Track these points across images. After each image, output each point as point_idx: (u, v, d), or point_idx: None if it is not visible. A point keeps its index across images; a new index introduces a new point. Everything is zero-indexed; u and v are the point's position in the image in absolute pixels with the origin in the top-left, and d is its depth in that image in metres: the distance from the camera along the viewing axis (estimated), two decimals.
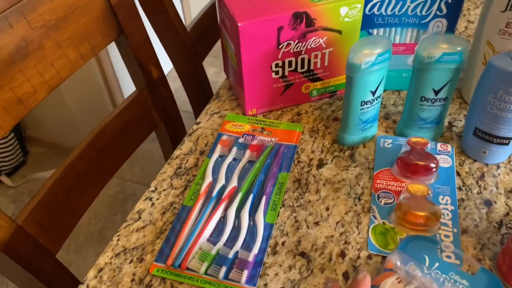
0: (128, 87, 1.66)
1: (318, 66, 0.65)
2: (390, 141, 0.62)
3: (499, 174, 0.57)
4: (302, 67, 0.64)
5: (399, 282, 0.44)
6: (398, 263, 0.43)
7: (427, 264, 0.47)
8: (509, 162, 0.58)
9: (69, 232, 0.73)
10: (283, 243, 0.51)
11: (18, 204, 1.61)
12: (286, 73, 0.64)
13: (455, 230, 0.51)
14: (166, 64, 0.97)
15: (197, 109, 1.05)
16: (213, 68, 2.07)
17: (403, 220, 0.51)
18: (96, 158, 0.77)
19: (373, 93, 0.56)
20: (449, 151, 0.59)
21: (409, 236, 0.50)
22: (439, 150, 0.60)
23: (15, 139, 1.68)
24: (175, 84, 1.19)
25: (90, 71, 1.54)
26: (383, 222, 0.52)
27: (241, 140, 0.63)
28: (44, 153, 1.81)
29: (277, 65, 0.62)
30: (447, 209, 0.53)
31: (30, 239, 0.64)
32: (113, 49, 1.52)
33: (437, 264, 0.47)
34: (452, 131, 0.63)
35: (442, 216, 0.52)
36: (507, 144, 0.55)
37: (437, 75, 0.55)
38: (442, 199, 0.54)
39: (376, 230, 0.51)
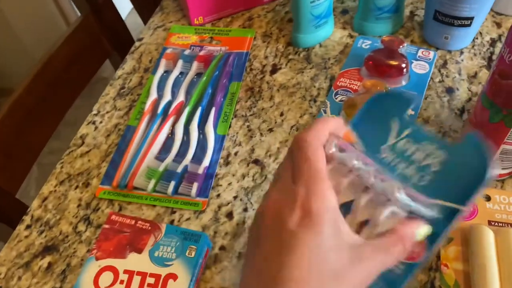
0: None
1: None
2: (369, 42, 0.55)
3: (462, 60, 0.53)
4: None
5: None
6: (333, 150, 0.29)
7: (395, 132, 0.32)
8: (473, 46, 0.54)
9: (27, 171, 0.70)
10: (236, 153, 0.48)
11: None
12: None
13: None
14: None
15: None
16: None
17: (351, 116, 0.47)
18: (46, 92, 0.72)
19: None
20: (430, 58, 0.53)
21: (372, 97, 0.33)
22: (419, 56, 0.53)
23: None
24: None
25: (45, 9, 1.43)
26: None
27: (187, 52, 0.58)
28: None
29: None
30: None
31: None
32: None
33: (406, 132, 0.31)
34: (413, 21, 0.58)
35: None
36: (469, 25, 0.51)
37: None
38: None
39: None
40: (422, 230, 0.27)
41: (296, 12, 0.54)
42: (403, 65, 0.50)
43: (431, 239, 0.29)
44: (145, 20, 0.96)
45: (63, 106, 0.77)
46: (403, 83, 0.51)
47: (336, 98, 0.51)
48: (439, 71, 0.52)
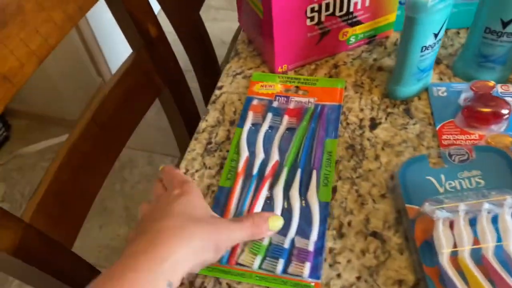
0: (110, 54, 1.52)
1: (359, 7, 0.54)
2: (444, 88, 0.53)
3: None
4: (341, 9, 0.53)
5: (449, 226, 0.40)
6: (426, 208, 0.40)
7: (437, 184, 0.44)
8: None
9: (82, 221, 0.65)
10: (349, 223, 0.44)
11: (9, 182, 1.51)
12: (323, 19, 0.53)
13: None
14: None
15: (198, 69, 0.94)
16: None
17: None
18: (100, 135, 0.68)
19: (436, 35, 0.47)
20: None
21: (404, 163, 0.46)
22: (501, 93, 0.51)
23: None
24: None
25: (69, 39, 1.38)
26: None
27: (275, 104, 0.53)
28: (27, 126, 1.68)
29: (312, 10, 0.52)
30: None
31: (41, 236, 0.55)
32: (93, 15, 1.36)
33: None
34: None
35: None
36: None
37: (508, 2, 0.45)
38: None
39: None
40: (273, 221, 0.41)
41: (402, 64, 0.50)
42: (505, 111, 0.48)
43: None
44: (185, 47, 0.91)
45: (114, 150, 0.73)
46: (502, 129, 0.48)
47: (453, 160, 0.46)
48: None
